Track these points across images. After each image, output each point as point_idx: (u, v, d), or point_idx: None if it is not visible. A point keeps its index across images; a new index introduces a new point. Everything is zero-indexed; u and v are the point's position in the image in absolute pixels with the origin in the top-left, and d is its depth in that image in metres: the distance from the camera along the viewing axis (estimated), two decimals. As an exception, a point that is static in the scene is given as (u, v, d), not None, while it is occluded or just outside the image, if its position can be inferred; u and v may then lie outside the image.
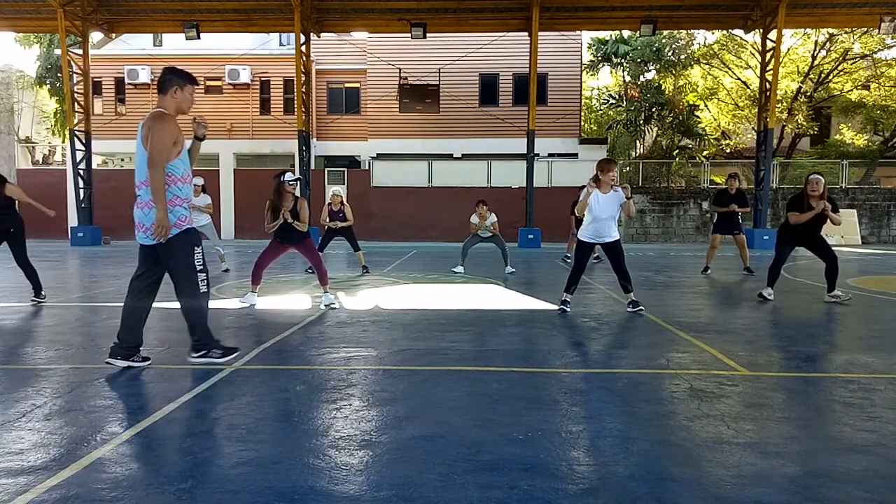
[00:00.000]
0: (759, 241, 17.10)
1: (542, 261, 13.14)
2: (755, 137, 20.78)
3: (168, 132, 3.67)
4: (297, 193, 6.48)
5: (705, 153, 27.79)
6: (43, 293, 6.64)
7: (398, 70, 23.11)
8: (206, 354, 3.98)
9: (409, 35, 18.47)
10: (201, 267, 3.86)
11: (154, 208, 3.67)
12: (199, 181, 10.37)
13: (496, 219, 10.11)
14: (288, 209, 6.28)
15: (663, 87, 27.60)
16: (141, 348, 3.98)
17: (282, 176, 6.33)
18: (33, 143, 33.38)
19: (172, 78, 3.80)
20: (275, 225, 6.29)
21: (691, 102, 28.22)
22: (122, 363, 3.88)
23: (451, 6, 18.47)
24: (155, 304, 6.55)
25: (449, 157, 23.81)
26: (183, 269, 3.82)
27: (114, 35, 22.17)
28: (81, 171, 19.10)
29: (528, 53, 18.61)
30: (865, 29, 23.23)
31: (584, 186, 6.85)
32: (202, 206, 10.17)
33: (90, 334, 5.06)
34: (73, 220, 21.03)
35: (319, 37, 20.70)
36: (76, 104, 19.23)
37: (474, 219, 10.07)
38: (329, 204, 9.76)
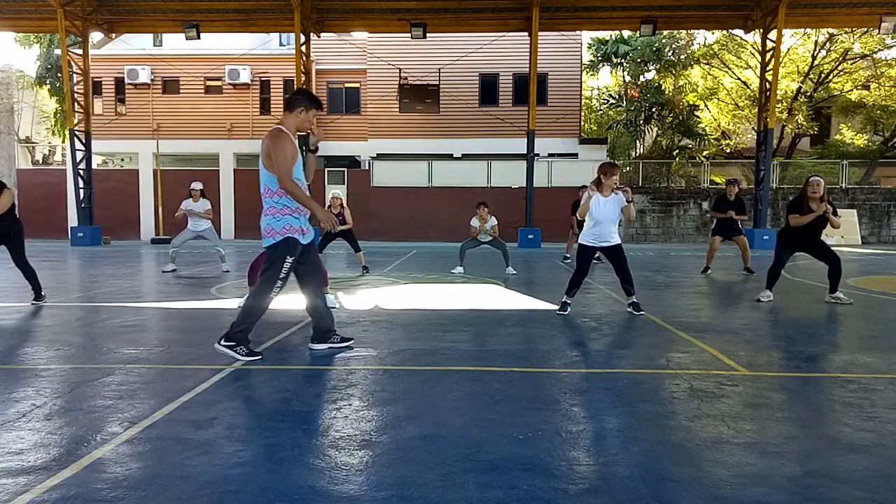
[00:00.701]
0: (759, 241, 17.11)
1: (542, 261, 13.14)
2: (755, 137, 20.77)
3: (287, 149, 3.99)
4: None
5: (705, 153, 27.79)
6: (43, 294, 6.65)
7: (398, 70, 23.11)
8: (233, 347, 4.10)
9: (409, 35, 18.47)
10: (284, 275, 4.09)
11: (268, 216, 4.07)
12: (198, 186, 10.32)
13: (496, 222, 10.07)
14: None
15: (663, 87, 27.59)
16: (334, 333, 4.48)
17: None
18: (33, 143, 33.40)
19: (302, 99, 4.15)
20: None
21: (691, 102, 28.21)
22: (320, 346, 4.41)
23: (451, 6, 18.46)
24: (154, 305, 6.54)
25: (449, 157, 23.80)
26: (270, 270, 4.08)
27: (114, 35, 22.16)
28: (81, 171, 19.09)
29: (528, 53, 18.61)
30: (865, 29, 23.22)
31: (584, 187, 6.84)
32: (202, 211, 10.11)
33: (90, 334, 5.06)
34: (73, 220, 21.04)
35: (319, 37, 20.70)
36: (76, 104, 19.23)
37: (475, 222, 10.04)
38: (329, 207, 9.72)
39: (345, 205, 9.88)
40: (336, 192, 9.93)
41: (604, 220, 5.95)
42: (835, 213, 6.63)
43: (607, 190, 5.91)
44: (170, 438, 2.71)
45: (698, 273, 10.26)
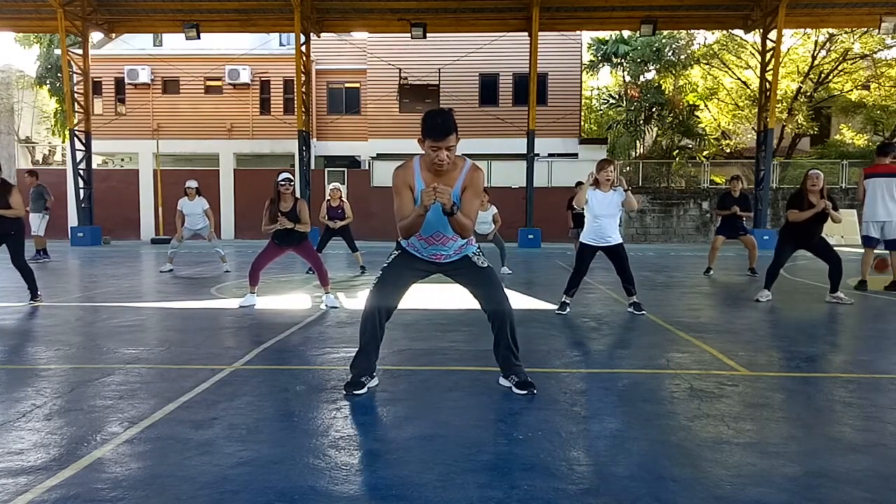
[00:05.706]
0: (758, 241, 17.00)
1: (542, 261, 13.14)
2: (755, 137, 20.77)
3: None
4: (298, 194, 6.45)
5: (705, 153, 27.79)
6: (39, 294, 6.67)
7: (398, 70, 23.11)
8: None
9: (409, 35, 18.46)
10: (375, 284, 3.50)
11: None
12: (193, 184, 10.26)
13: (497, 210, 9.90)
14: (287, 210, 6.27)
15: (663, 87, 27.59)
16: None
17: (277, 177, 6.34)
18: (33, 143, 33.37)
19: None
20: (272, 228, 6.27)
21: (691, 102, 28.21)
22: (504, 382, 3.50)
23: (451, 6, 18.46)
24: (154, 305, 6.55)
25: (449, 157, 23.78)
26: None
27: (114, 35, 22.15)
28: (81, 171, 19.08)
29: (528, 53, 18.60)
30: (865, 29, 23.22)
31: (579, 183, 6.85)
32: (199, 211, 10.05)
33: (90, 334, 5.06)
34: (73, 220, 21.03)
35: (319, 37, 20.69)
36: (76, 104, 19.22)
37: None
38: (328, 200, 9.47)
39: (344, 198, 9.66)
40: (335, 183, 9.71)
41: (603, 214, 5.95)
42: (835, 208, 6.62)
43: (605, 185, 5.93)
44: (170, 438, 2.71)
45: (698, 273, 10.24)
